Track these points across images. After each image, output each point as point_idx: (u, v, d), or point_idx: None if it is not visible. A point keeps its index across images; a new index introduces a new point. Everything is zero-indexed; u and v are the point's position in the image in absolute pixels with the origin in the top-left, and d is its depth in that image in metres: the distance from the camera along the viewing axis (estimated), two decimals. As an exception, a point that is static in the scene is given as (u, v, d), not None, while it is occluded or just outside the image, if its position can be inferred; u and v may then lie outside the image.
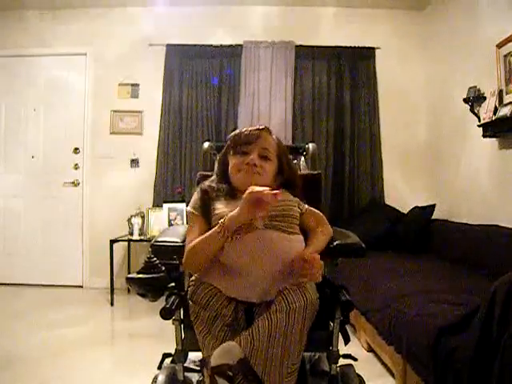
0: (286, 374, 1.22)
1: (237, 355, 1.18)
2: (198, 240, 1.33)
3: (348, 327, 1.45)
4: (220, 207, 1.41)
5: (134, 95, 4.25)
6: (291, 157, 1.77)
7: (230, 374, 1.15)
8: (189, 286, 1.38)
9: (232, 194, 1.44)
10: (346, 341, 1.41)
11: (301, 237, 1.43)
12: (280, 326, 1.21)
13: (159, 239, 1.50)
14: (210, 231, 1.33)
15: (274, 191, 1.23)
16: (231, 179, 1.47)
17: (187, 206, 4.14)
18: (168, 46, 4.18)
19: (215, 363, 1.16)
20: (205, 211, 1.43)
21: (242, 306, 1.32)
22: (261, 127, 1.50)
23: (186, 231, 1.58)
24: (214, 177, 1.55)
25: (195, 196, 1.49)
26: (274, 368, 1.20)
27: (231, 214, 1.29)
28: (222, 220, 1.30)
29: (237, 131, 1.52)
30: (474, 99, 3.14)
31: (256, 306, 1.32)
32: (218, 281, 1.32)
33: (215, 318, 1.28)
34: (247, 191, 1.25)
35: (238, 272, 1.31)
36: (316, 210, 1.54)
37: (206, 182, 1.52)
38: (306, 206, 1.52)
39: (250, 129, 1.48)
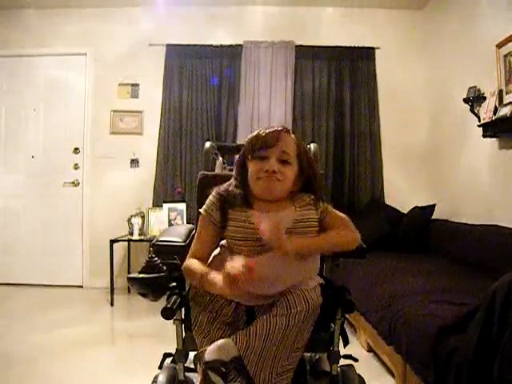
0: (276, 375, 1.23)
1: (231, 352, 1.19)
2: (190, 264, 1.32)
3: (348, 328, 1.45)
4: (235, 216, 1.36)
5: (134, 95, 4.25)
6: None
7: (223, 370, 1.15)
8: (190, 286, 1.39)
9: (248, 202, 1.38)
10: (345, 343, 1.41)
11: (317, 257, 1.41)
12: (278, 329, 1.21)
13: (160, 239, 1.50)
14: (196, 270, 1.29)
15: (249, 265, 1.17)
16: (251, 186, 1.39)
17: (187, 206, 4.09)
18: (168, 45, 4.18)
19: (209, 358, 1.17)
20: (218, 217, 1.38)
21: (243, 306, 1.32)
22: (279, 128, 1.40)
23: (187, 230, 1.58)
24: (232, 180, 1.46)
25: (210, 199, 1.41)
26: (265, 368, 1.21)
27: (213, 276, 1.23)
28: (203, 272, 1.27)
29: (254, 133, 1.42)
30: (474, 99, 3.14)
31: (257, 306, 1.33)
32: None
33: (215, 319, 1.29)
34: (223, 273, 1.17)
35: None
36: (341, 215, 1.45)
37: (224, 185, 1.44)
38: (330, 209, 1.44)
39: (267, 131, 1.39)
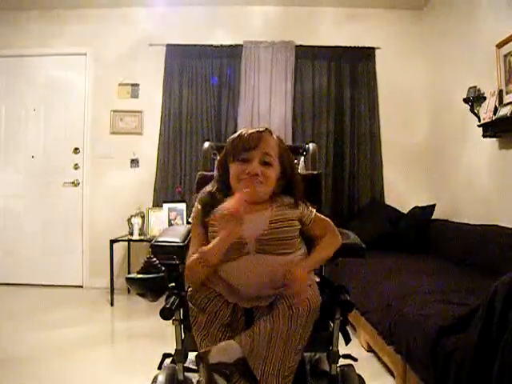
0: (283, 377, 1.22)
1: (236, 354, 1.18)
2: (191, 260, 1.32)
3: (348, 327, 1.45)
4: (214, 222, 1.35)
5: (134, 95, 4.25)
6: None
7: (227, 372, 1.15)
8: (189, 287, 1.38)
9: None
10: (347, 341, 1.41)
11: (297, 255, 1.38)
12: (281, 330, 1.21)
13: (159, 239, 1.50)
14: (193, 259, 1.31)
15: (237, 200, 1.23)
16: (233, 188, 1.38)
17: (187, 206, 4.12)
18: (168, 46, 4.18)
19: (214, 360, 1.16)
20: (204, 222, 1.38)
21: (241, 307, 1.32)
22: (261, 129, 1.39)
23: (186, 231, 1.58)
24: (213, 182, 1.47)
25: (195, 206, 1.43)
26: (271, 370, 1.20)
27: (209, 246, 1.27)
28: (200, 249, 1.29)
29: (235, 135, 1.42)
30: (474, 99, 3.14)
31: (256, 307, 1.33)
32: (219, 286, 1.32)
33: (213, 320, 1.28)
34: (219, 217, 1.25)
35: (234, 287, 1.32)
36: (324, 218, 1.47)
37: (207, 189, 1.44)
38: (314, 212, 1.44)
39: (249, 132, 1.38)
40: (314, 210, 1.46)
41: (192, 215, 1.43)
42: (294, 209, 1.41)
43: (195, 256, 1.30)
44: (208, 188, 1.45)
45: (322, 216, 1.48)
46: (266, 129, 1.42)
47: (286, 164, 1.42)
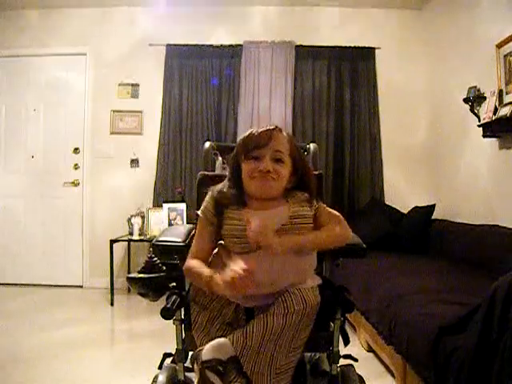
0: (276, 374, 1.22)
1: (228, 352, 1.19)
2: (193, 266, 1.33)
3: (348, 327, 1.45)
4: (231, 215, 1.36)
5: (134, 95, 4.25)
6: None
7: (221, 369, 1.15)
8: (190, 286, 1.39)
9: (242, 201, 1.38)
10: (346, 342, 1.41)
11: (313, 255, 1.41)
12: (275, 329, 1.21)
13: (160, 239, 1.50)
14: (202, 273, 1.29)
15: (248, 268, 1.17)
16: (245, 186, 1.39)
17: (187, 206, 4.10)
18: (168, 46, 4.18)
19: (206, 358, 1.17)
20: (215, 218, 1.38)
21: (242, 306, 1.32)
22: (271, 127, 1.40)
23: (187, 230, 1.58)
24: (225, 181, 1.46)
25: (207, 200, 1.42)
26: (262, 368, 1.21)
27: (219, 279, 1.22)
28: (209, 275, 1.26)
29: (246, 133, 1.43)
30: (474, 99, 3.14)
31: (257, 306, 1.32)
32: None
33: (215, 319, 1.29)
34: (224, 277, 1.19)
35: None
36: (335, 212, 1.46)
37: (218, 186, 1.44)
38: (323, 207, 1.46)
39: (260, 130, 1.39)
40: (324, 204, 1.47)
41: (202, 209, 1.41)
42: (310, 205, 1.42)
43: (202, 275, 1.28)
44: (219, 186, 1.44)
45: (332, 210, 1.47)
46: (276, 126, 1.42)
47: (297, 160, 1.42)
